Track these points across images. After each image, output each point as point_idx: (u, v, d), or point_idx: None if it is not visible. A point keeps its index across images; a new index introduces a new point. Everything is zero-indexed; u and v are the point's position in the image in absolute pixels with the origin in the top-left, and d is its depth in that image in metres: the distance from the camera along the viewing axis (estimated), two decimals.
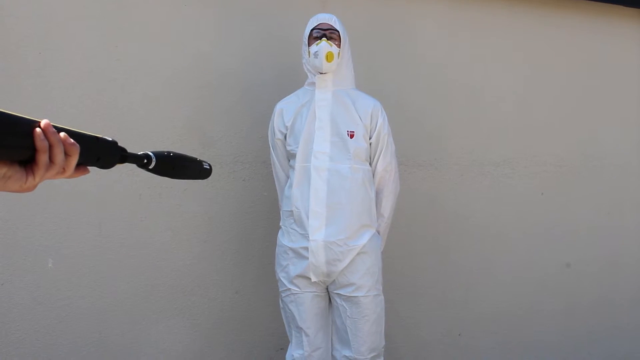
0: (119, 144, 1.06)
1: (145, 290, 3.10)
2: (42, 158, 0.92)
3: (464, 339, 3.83)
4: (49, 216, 2.91)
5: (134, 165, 1.13)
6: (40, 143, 0.91)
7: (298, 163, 2.85)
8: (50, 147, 0.93)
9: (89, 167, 1.03)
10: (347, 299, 2.83)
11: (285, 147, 2.93)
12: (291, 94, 2.99)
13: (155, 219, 3.11)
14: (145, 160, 1.11)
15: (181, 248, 3.17)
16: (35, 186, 0.95)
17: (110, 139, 1.05)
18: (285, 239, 2.89)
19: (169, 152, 1.15)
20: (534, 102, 4.04)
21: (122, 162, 1.07)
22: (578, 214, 4.15)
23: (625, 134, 4.34)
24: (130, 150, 1.10)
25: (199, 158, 1.23)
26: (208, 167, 1.25)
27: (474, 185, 3.83)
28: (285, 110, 2.94)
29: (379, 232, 2.95)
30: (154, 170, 1.14)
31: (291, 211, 2.86)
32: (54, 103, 2.91)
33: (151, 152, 1.13)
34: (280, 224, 2.94)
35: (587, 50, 4.21)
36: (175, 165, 1.17)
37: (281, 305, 2.95)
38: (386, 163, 2.93)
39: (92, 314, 3.00)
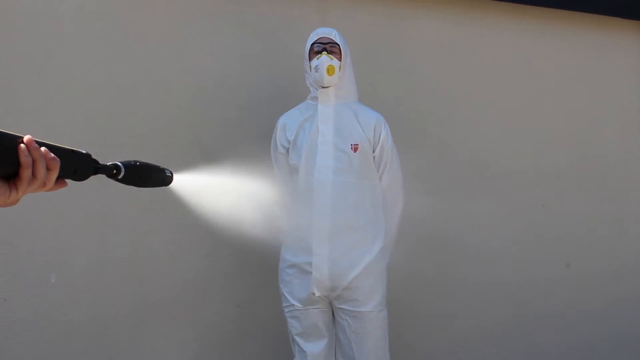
0: (93, 157, 1.08)
1: (147, 304, 3.10)
2: (26, 173, 0.94)
3: (467, 351, 3.82)
4: (51, 231, 2.92)
5: (125, 185, 1.15)
6: (25, 159, 0.93)
7: (301, 177, 2.84)
8: (34, 162, 0.94)
9: (66, 180, 1.05)
10: (351, 314, 2.81)
11: (287, 161, 2.93)
12: (294, 108, 2.99)
13: (157, 234, 3.11)
14: (115, 171, 1.13)
15: (183, 262, 3.17)
16: (18, 200, 0.96)
17: (85, 152, 1.07)
18: (289, 253, 2.88)
19: (135, 162, 1.17)
20: (534, 113, 4.05)
21: (95, 173, 1.09)
22: (579, 224, 4.15)
23: (624, 144, 4.35)
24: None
25: (161, 166, 1.25)
26: (170, 174, 1.28)
27: (474, 196, 3.83)
28: (288, 124, 2.94)
29: (384, 247, 2.93)
30: (123, 180, 1.15)
31: (294, 226, 2.86)
32: (55, 119, 2.92)
33: (120, 162, 1.15)
34: (283, 238, 2.94)
35: (586, 62, 4.23)
36: (142, 175, 1.19)
37: (286, 318, 2.94)
38: (391, 177, 2.92)
39: (95, 329, 3.00)
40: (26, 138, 0.94)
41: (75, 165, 1.05)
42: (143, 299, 3.09)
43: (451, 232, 3.75)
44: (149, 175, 1.21)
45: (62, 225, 2.94)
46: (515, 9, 3.95)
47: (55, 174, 0.98)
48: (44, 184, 0.98)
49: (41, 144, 0.96)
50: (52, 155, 0.97)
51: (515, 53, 4.00)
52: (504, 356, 3.90)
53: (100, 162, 1.10)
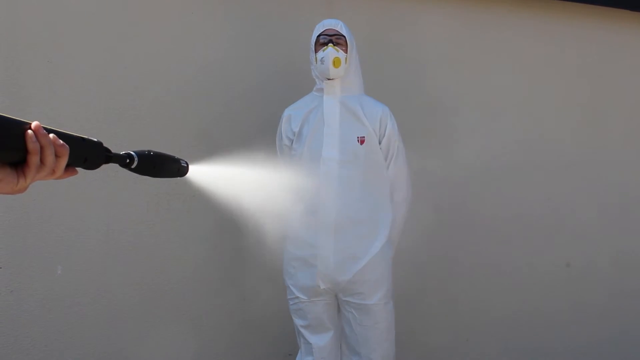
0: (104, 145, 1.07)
1: (153, 296, 3.11)
2: (34, 160, 0.92)
3: (472, 344, 3.82)
4: (56, 224, 2.92)
5: (139, 174, 1.14)
6: (32, 145, 0.91)
7: (306, 170, 2.83)
8: (42, 148, 0.93)
9: (76, 169, 1.03)
10: (357, 306, 2.81)
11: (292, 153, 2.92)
12: (299, 100, 2.98)
13: (163, 226, 3.12)
14: (128, 160, 1.11)
15: (189, 254, 3.18)
16: (26, 188, 0.95)
17: (96, 140, 1.05)
18: (293, 246, 2.88)
19: (149, 151, 1.15)
20: (539, 106, 4.03)
21: (107, 162, 1.07)
22: (585, 218, 4.14)
23: (630, 136, 4.32)
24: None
25: (176, 156, 1.23)
26: (185, 165, 1.26)
27: (480, 190, 3.82)
28: (293, 116, 2.93)
29: (390, 239, 2.93)
30: (136, 170, 1.14)
31: (299, 218, 2.85)
32: (63, 111, 2.93)
33: (133, 151, 1.13)
34: (288, 230, 2.93)
35: (592, 54, 4.20)
36: (155, 164, 1.17)
37: (291, 311, 2.94)
38: (397, 169, 2.90)
39: (101, 321, 3.01)
40: (34, 124, 0.93)
41: (86, 153, 1.03)
42: (148, 291, 3.10)
43: (457, 223, 3.75)
44: (162, 165, 1.19)
45: (68, 217, 2.95)
46: (521, 2, 3.93)
47: (64, 161, 0.96)
48: (53, 172, 0.96)
49: (50, 131, 0.95)
50: (61, 142, 0.95)
51: (522, 46, 3.98)
52: (509, 349, 3.90)
53: (113, 152, 1.08)
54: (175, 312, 3.15)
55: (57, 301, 2.93)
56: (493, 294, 3.87)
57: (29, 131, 0.92)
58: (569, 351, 4.06)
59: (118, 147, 1.19)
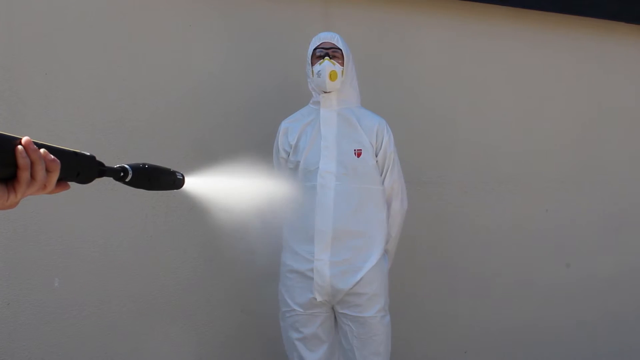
0: (97, 159, 1.06)
1: (151, 309, 3.10)
2: (24, 175, 0.92)
3: (470, 356, 3.81)
4: (54, 235, 2.92)
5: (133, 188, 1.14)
6: (22, 160, 0.91)
7: (303, 182, 2.84)
8: (32, 164, 0.92)
9: (69, 183, 1.02)
10: (354, 319, 2.80)
11: (289, 165, 2.93)
12: (296, 112, 2.99)
13: (160, 238, 3.12)
14: (122, 174, 1.10)
15: (187, 267, 3.17)
16: (17, 203, 0.94)
17: (89, 154, 1.05)
18: (289, 258, 2.88)
19: (144, 164, 1.14)
20: (537, 118, 4.04)
21: (100, 176, 1.07)
22: (582, 229, 4.13)
23: (627, 148, 4.33)
24: None
25: (172, 169, 1.22)
26: (181, 177, 1.25)
27: (478, 202, 3.82)
28: (290, 128, 2.93)
29: (386, 251, 2.93)
30: (131, 183, 1.13)
31: (295, 230, 2.85)
32: (60, 123, 2.93)
33: (127, 164, 1.12)
34: (284, 243, 2.93)
35: (590, 67, 4.22)
36: (150, 177, 1.16)
37: (282, 325, 2.92)
38: (393, 181, 2.91)
39: (98, 333, 3.00)
40: (24, 139, 0.92)
41: (79, 168, 1.02)
42: (146, 303, 3.09)
43: (455, 235, 3.75)
44: (157, 178, 1.18)
45: (65, 229, 2.95)
46: (519, 14, 3.95)
47: (55, 176, 0.96)
48: (44, 186, 0.95)
49: (41, 146, 0.94)
50: (52, 157, 0.95)
51: (519, 57, 3.99)
52: None
53: (106, 165, 1.08)
54: (173, 324, 3.14)
55: (54, 314, 2.92)
56: (492, 306, 3.86)
57: (19, 147, 0.91)
58: None
59: (115, 158, 1.19)
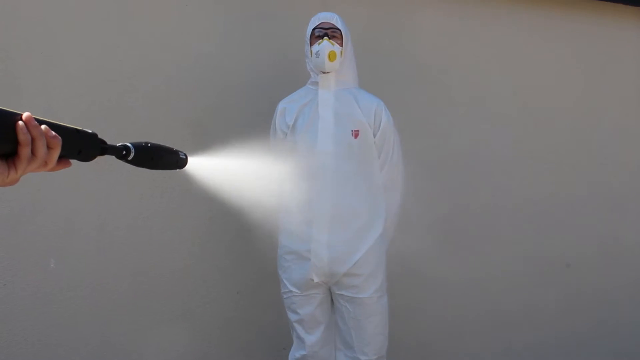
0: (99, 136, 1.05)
1: (146, 290, 3.10)
2: (25, 151, 0.90)
3: (467, 339, 3.82)
4: (50, 216, 2.91)
5: (135, 166, 1.12)
6: (23, 136, 0.89)
7: (300, 163, 2.82)
8: (33, 140, 0.91)
9: (70, 160, 1.01)
10: (351, 300, 2.80)
11: (286, 146, 2.91)
12: (294, 93, 2.97)
13: (156, 220, 3.11)
14: (124, 152, 1.09)
15: (183, 248, 3.17)
16: (17, 180, 0.93)
17: (91, 131, 1.03)
18: (287, 240, 2.87)
19: (146, 143, 1.13)
20: (535, 102, 4.04)
21: (102, 154, 1.05)
22: (579, 211, 4.14)
23: (625, 130, 4.33)
24: None
25: (175, 148, 1.21)
26: (184, 157, 1.24)
27: (475, 185, 3.82)
28: (287, 109, 2.92)
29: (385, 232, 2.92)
30: (133, 162, 1.12)
31: (293, 212, 2.84)
32: (56, 103, 2.91)
33: (129, 143, 1.11)
34: (281, 224, 2.92)
35: (587, 48, 4.21)
36: (153, 156, 1.15)
37: (285, 305, 2.93)
38: (392, 163, 2.90)
39: (94, 314, 3.00)
40: (25, 115, 0.91)
41: (80, 145, 1.01)
42: (142, 284, 3.09)
43: (452, 218, 3.75)
44: (160, 157, 1.17)
45: (62, 210, 2.93)
46: None
47: (56, 152, 0.94)
48: (45, 163, 0.94)
49: (42, 122, 0.93)
50: (53, 133, 0.93)
51: (516, 41, 3.98)
52: (505, 346, 3.91)
53: (108, 143, 1.07)
54: (169, 305, 3.14)
55: (50, 294, 2.92)
56: (486, 289, 3.87)
57: (20, 122, 0.90)
58: (563, 344, 4.07)
59: (112, 139, 1.18)
